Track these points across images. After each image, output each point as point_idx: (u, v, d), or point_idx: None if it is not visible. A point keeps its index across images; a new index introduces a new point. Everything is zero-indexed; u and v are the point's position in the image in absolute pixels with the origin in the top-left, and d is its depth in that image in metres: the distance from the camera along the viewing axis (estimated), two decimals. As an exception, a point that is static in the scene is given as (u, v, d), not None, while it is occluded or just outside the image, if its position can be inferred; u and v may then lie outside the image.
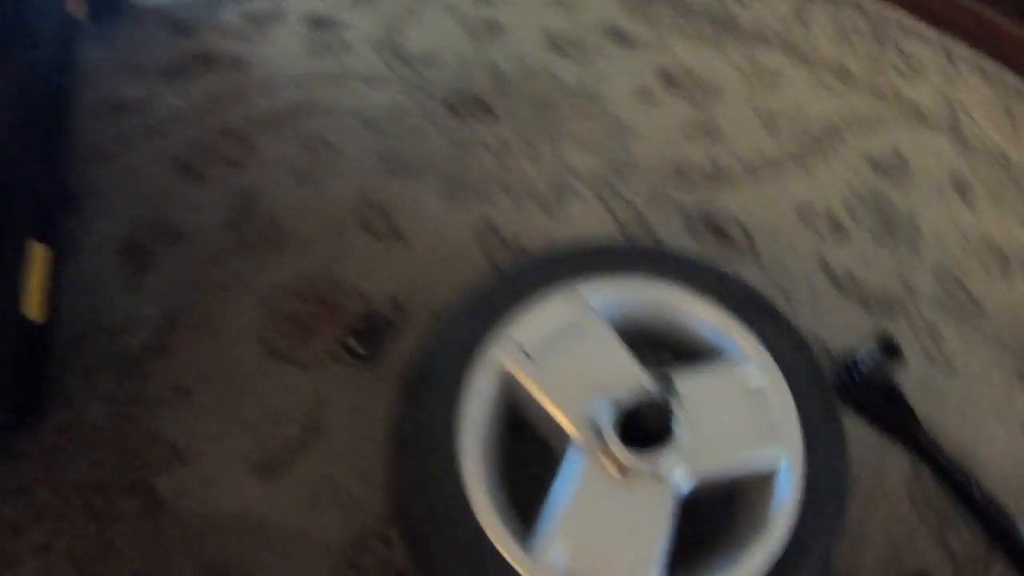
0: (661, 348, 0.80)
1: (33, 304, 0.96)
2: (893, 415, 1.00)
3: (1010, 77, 1.80)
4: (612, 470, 0.66)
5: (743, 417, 0.74)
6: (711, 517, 0.81)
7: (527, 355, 0.73)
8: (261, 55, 1.35)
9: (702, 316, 0.80)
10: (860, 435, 0.98)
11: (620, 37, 1.50)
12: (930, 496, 0.95)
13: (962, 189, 1.43)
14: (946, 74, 1.75)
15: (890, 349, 1.01)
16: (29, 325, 0.94)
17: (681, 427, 0.67)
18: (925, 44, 1.84)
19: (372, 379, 0.91)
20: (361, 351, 0.91)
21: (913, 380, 1.06)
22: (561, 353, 0.73)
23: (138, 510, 0.87)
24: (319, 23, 1.42)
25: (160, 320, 1.00)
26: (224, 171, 1.15)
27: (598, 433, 0.66)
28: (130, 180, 1.15)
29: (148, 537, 0.85)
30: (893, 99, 1.60)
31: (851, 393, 1.00)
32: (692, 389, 0.72)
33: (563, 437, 0.69)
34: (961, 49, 1.86)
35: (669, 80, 1.41)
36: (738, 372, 0.77)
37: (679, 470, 0.67)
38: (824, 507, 0.71)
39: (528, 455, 0.78)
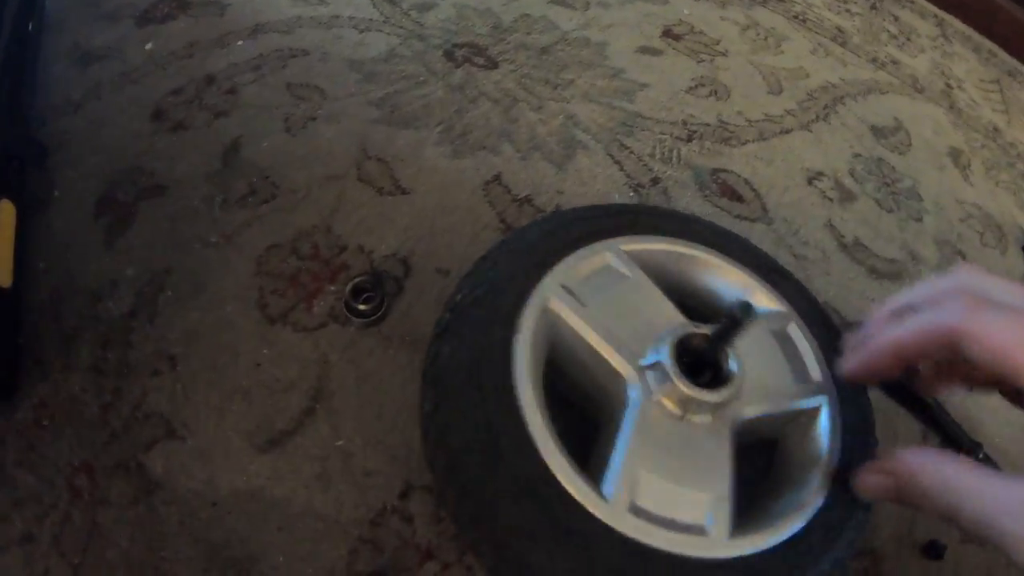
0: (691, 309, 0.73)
1: (1, 268, 0.84)
2: (901, 381, 0.94)
3: (1003, 55, 1.74)
4: (672, 407, 0.60)
5: (781, 361, 0.72)
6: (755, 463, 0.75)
7: (578, 300, 0.66)
8: (242, -1, 1.20)
9: (731, 278, 0.76)
10: (872, 399, 0.91)
11: (619, -13, 1.38)
12: None
13: (958, 160, 1.37)
14: (941, 48, 1.67)
15: None
16: (-3, 291, 0.82)
17: (735, 365, 0.62)
18: (920, 17, 1.76)
19: (380, 341, 0.81)
20: (365, 310, 0.80)
21: None
22: (610, 300, 0.67)
23: (129, 491, 0.76)
24: (303, -35, 1.28)
25: (143, 281, 0.87)
26: (206, 119, 1.01)
27: (658, 370, 0.60)
28: (104, 131, 1.01)
29: (142, 520, 0.74)
30: (891, 68, 1.51)
31: None
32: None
33: (616, 378, 0.63)
34: (956, 24, 1.78)
35: (671, 34, 1.30)
36: (768, 322, 0.73)
37: (737, 405, 0.63)
38: (860, 447, 0.69)
39: (570, 400, 0.70)
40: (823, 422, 0.68)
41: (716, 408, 0.60)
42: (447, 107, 1.03)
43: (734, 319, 0.46)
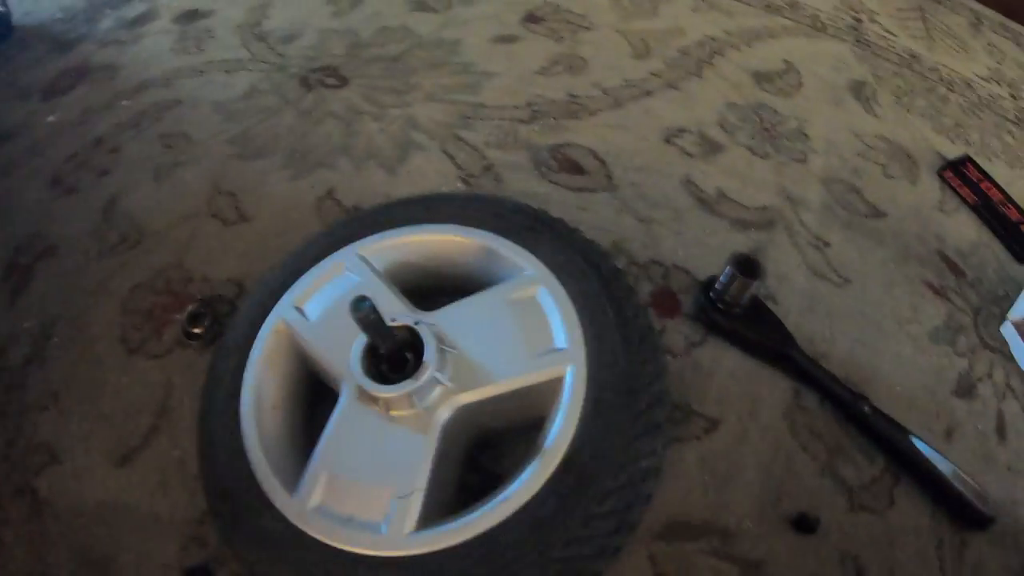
0: (446, 291, 0.77)
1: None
2: (762, 336, 0.90)
3: None
4: (373, 405, 0.65)
5: (517, 334, 0.70)
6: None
7: (302, 314, 0.74)
8: (132, 58, 1.32)
9: (470, 251, 0.77)
10: (731, 366, 0.90)
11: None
12: (815, 423, 0.85)
13: (861, 94, 1.32)
14: None
15: (744, 265, 0.85)
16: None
17: (437, 355, 0.64)
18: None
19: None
20: (199, 333, 0.90)
21: (798, 298, 0.97)
22: (333, 307, 0.73)
23: (24, 511, 0.89)
24: (189, 16, 1.39)
25: (36, 332, 1.01)
26: (92, 179, 1.14)
27: (358, 373, 0.65)
28: (10, 203, 1.16)
29: (33, 535, 0.88)
30: (788, 11, 1.47)
31: (713, 319, 0.90)
32: (454, 318, 0.71)
33: (337, 384, 0.69)
34: None
35: (532, 19, 1.33)
36: (504, 290, 0.73)
37: (437, 396, 0.65)
38: (619, 414, 0.64)
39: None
40: (563, 397, 0.66)
41: (413, 402, 0.63)
42: (295, 132, 1.12)
43: (355, 318, 0.50)
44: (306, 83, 1.19)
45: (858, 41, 1.45)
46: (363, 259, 0.75)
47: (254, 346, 0.72)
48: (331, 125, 1.12)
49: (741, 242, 1.05)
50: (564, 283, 0.72)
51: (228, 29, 1.33)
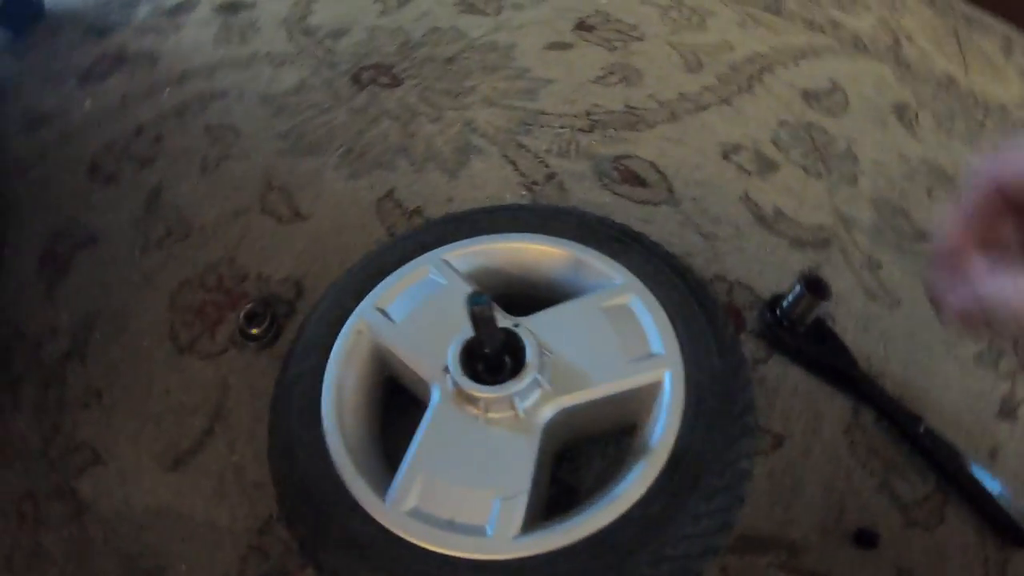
0: (528, 300, 0.75)
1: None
2: (825, 356, 0.90)
3: (959, 4, 1.65)
4: (470, 408, 0.63)
5: (611, 340, 0.70)
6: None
7: (386, 316, 0.71)
8: (172, 47, 1.28)
9: (558, 260, 0.76)
10: (794, 383, 0.89)
11: (535, -14, 1.39)
12: (872, 441, 0.85)
13: (904, 116, 1.32)
14: (889, 4, 1.61)
15: (814, 285, 0.86)
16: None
17: (536, 358, 0.63)
18: (869, -24, 1.69)
19: (272, 361, 0.87)
20: (257, 334, 0.86)
21: (854, 319, 0.96)
22: (422, 311, 0.71)
23: (65, 513, 0.85)
24: (230, 8, 1.35)
25: (77, 325, 0.97)
26: (133, 169, 1.10)
27: (453, 376, 0.63)
28: (46, 190, 1.11)
29: (75, 539, 0.83)
30: (830, 30, 1.47)
31: (779, 337, 0.89)
32: (549, 324, 0.69)
33: (422, 383, 0.67)
34: None
35: (584, 27, 1.31)
36: (596, 299, 0.73)
37: (537, 399, 0.64)
38: (718, 418, 0.65)
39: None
40: (664, 400, 0.66)
41: (514, 403, 0.62)
42: (349, 130, 1.09)
43: (471, 312, 0.47)
44: (358, 80, 1.16)
45: (898, 63, 1.45)
46: (448, 264, 0.73)
47: (335, 347, 0.70)
48: (387, 125, 1.09)
49: (799, 261, 1.04)
50: (655, 292, 0.72)
51: (272, 22, 1.30)
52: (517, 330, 0.65)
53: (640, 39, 1.30)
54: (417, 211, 0.98)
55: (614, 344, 0.69)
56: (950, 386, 0.93)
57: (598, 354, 0.69)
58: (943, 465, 0.83)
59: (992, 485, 0.82)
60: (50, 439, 0.90)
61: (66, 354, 0.95)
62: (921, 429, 0.85)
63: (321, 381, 0.67)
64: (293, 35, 1.27)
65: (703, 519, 0.59)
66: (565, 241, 0.76)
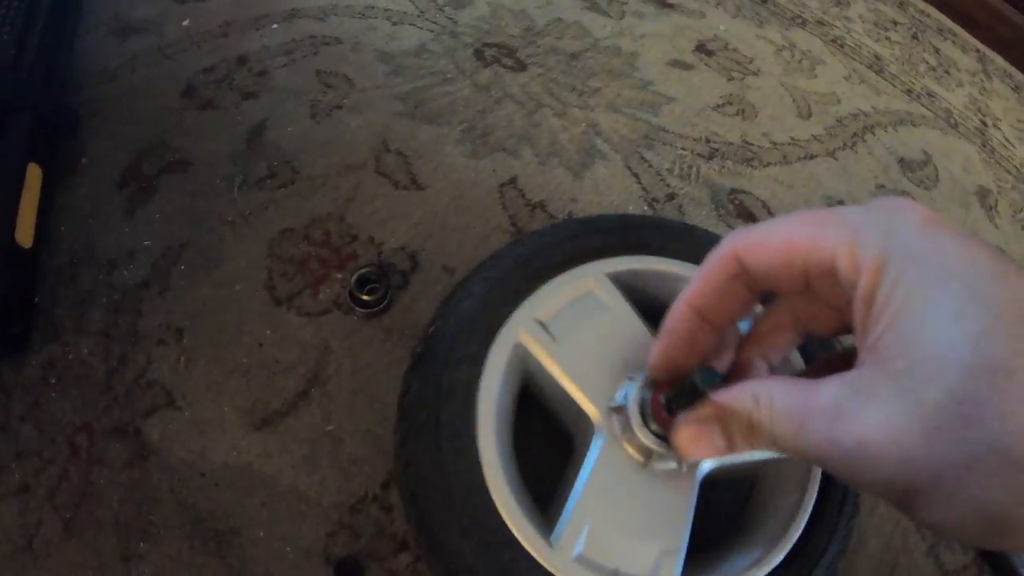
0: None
1: (24, 229, 0.87)
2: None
3: None
4: (634, 453, 0.58)
5: None
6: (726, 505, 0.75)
7: (550, 335, 0.64)
8: (282, -18, 1.22)
9: None
10: None
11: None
12: None
13: (985, 201, 1.34)
14: (980, 84, 1.64)
15: None
16: (20, 251, 0.85)
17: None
18: (962, 51, 1.72)
19: (380, 332, 0.82)
20: (368, 300, 0.81)
21: None
22: (585, 333, 0.64)
23: (125, 454, 0.78)
24: (345, -46, 1.29)
25: (158, 253, 0.90)
26: (235, 99, 1.03)
27: (623, 414, 0.57)
28: (135, 104, 1.04)
29: (134, 484, 0.77)
30: (926, 100, 1.49)
31: None
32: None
33: (583, 419, 0.61)
34: (998, 61, 1.74)
35: (704, 50, 1.29)
36: None
37: None
38: (845, 492, 0.65)
39: (539, 437, 0.71)
40: (801, 468, 0.65)
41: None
42: (472, 106, 1.04)
43: (693, 388, 0.42)
44: (481, 57, 1.12)
45: (984, 145, 1.47)
46: (613, 281, 0.68)
47: (490, 358, 0.63)
48: (511, 109, 1.05)
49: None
50: (813, 349, 0.70)
51: (392, -22, 1.24)
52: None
53: (756, 74, 1.29)
54: (540, 205, 0.94)
55: None
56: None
57: None
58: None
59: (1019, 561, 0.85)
60: (115, 371, 0.83)
61: (143, 282, 0.88)
62: None
63: (475, 399, 0.60)
64: (413, -5, 1.22)
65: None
66: None
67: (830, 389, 0.28)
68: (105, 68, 1.08)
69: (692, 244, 0.72)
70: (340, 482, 0.75)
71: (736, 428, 0.33)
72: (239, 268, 0.88)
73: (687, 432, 0.37)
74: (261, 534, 0.73)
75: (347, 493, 0.74)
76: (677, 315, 0.39)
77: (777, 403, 0.30)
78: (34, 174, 0.91)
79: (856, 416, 0.26)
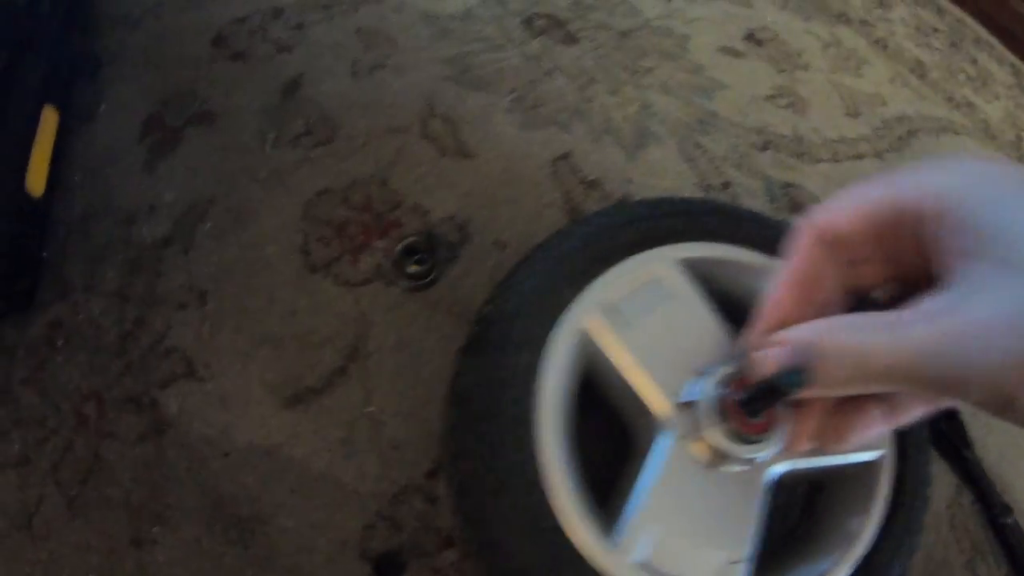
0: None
1: (36, 176, 0.77)
2: (946, 431, 0.88)
3: None
4: (702, 454, 0.51)
5: None
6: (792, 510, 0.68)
7: (618, 321, 0.57)
8: (318, -64, 1.13)
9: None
10: None
11: (706, -16, 1.30)
12: (967, 522, 0.83)
13: (1020, 217, 1.29)
14: (1015, 97, 1.59)
15: None
16: (30, 200, 0.75)
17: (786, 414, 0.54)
18: (998, 63, 1.67)
19: (426, 307, 0.74)
20: (414, 272, 0.73)
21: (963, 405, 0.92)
22: (654, 322, 0.57)
23: (138, 427, 0.69)
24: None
25: (182, 209, 0.81)
26: (269, 51, 0.94)
27: (694, 417, 0.50)
28: (160, 50, 0.95)
29: (148, 460, 0.68)
30: (966, 109, 1.43)
31: None
32: None
33: (646, 415, 0.54)
34: None
35: (754, 39, 1.22)
36: None
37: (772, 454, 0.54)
38: (912, 506, 0.61)
39: (593, 427, 0.62)
40: (874, 480, 0.59)
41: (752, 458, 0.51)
42: (521, 76, 0.96)
43: (774, 388, 0.34)
44: (530, 26, 1.04)
45: (1021, 160, 1.42)
46: (686, 269, 0.60)
47: (550, 345, 0.55)
48: (562, 82, 0.97)
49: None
50: None
51: (434, -60, 1.16)
52: None
53: (804, 68, 1.22)
54: (595, 183, 0.86)
55: None
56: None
57: None
58: (1018, 558, 0.83)
59: None
60: (130, 335, 0.74)
61: (164, 240, 0.79)
62: (1010, 520, 0.84)
63: (533, 388, 0.53)
64: (457, -41, 1.13)
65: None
66: None
67: (930, 301, 0.28)
68: (129, 13, 0.99)
69: (766, 233, 0.64)
70: (380, 469, 0.66)
71: (817, 365, 0.31)
72: (271, 229, 0.79)
73: (765, 353, 0.35)
74: (290, 524, 0.64)
75: (388, 481, 0.66)
76: (778, 292, 0.37)
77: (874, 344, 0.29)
78: (50, 117, 0.81)
79: (969, 305, 0.26)
